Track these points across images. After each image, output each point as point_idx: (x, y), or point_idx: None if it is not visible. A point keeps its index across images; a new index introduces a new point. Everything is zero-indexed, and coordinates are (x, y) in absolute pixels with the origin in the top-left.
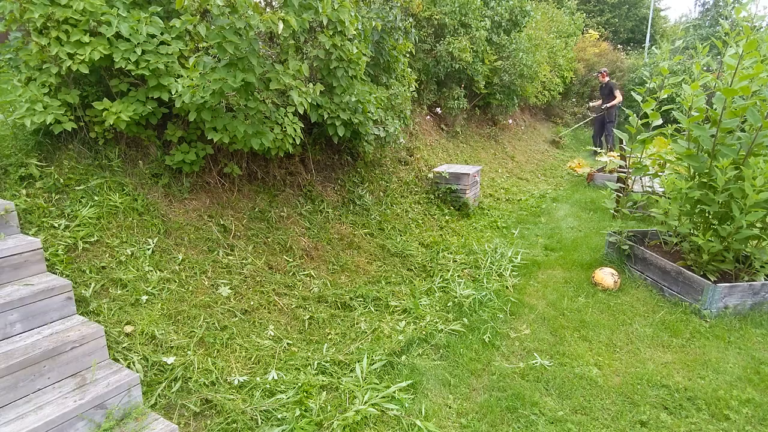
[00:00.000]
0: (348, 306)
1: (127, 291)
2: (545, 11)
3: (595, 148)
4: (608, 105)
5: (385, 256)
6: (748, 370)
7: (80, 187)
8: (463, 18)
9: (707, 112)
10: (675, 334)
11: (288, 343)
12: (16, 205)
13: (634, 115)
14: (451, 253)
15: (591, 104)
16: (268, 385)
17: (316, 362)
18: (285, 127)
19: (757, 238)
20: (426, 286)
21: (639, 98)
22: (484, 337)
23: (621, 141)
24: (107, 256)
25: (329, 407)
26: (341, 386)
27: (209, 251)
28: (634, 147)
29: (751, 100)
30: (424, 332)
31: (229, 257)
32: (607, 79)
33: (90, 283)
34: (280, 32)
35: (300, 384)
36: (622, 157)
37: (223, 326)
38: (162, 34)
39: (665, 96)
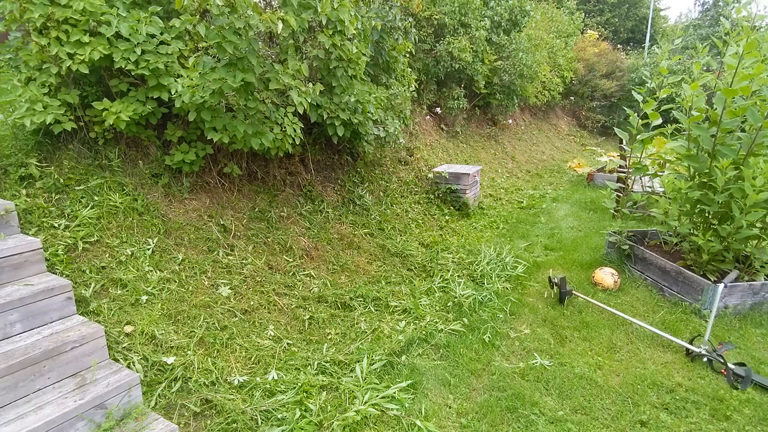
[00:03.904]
0: (348, 306)
1: (127, 291)
2: (545, 11)
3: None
4: None
5: (385, 256)
6: None
7: (80, 187)
8: (462, 18)
9: (707, 112)
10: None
11: (288, 343)
12: (16, 205)
13: (635, 114)
14: (450, 253)
15: None
16: (268, 385)
17: (316, 362)
18: (285, 127)
19: (757, 238)
20: (426, 286)
21: (639, 98)
22: (484, 337)
23: (621, 141)
24: (107, 256)
25: (329, 407)
26: (341, 386)
27: (209, 251)
28: (634, 147)
29: (751, 100)
30: (424, 332)
31: (229, 257)
32: None
33: (90, 283)
34: (279, 32)
35: (300, 384)
36: (622, 157)
37: (223, 326)
38: (162, 34)
39: (665, 96)
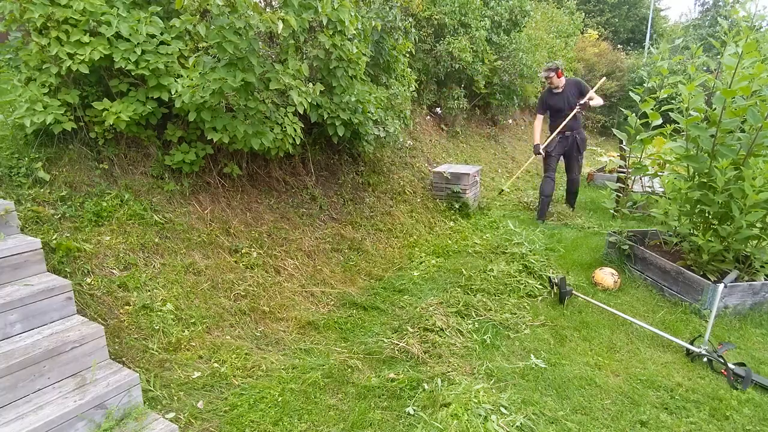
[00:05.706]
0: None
1: (128, 292)
2: (545, 11)
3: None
4: None
5: (386, 256)
6: None
7: (80, 187)
8: (462, 18)
9: (707, 112)
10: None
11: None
12: (17, 204)
13: (633, 114)
14: None
15: None
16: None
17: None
18: (285, 127)
19: (757, 238)
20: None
21: (637, 98)
22: (485, 337)
23: (621, 141)
24: (107, 256)
25: None
26: None
27: (210, 252)
28: (634, 147)
29: (751, 100)
30: None
31: (230, 258)
32: None
33: (90, 284)
34: (279, 32)
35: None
36: (622, 157)
37: (224, 326)
38: (162, 34)
39: (665, 96)
